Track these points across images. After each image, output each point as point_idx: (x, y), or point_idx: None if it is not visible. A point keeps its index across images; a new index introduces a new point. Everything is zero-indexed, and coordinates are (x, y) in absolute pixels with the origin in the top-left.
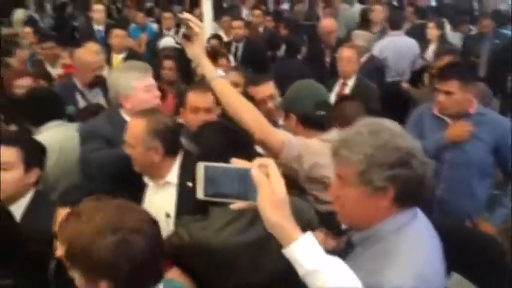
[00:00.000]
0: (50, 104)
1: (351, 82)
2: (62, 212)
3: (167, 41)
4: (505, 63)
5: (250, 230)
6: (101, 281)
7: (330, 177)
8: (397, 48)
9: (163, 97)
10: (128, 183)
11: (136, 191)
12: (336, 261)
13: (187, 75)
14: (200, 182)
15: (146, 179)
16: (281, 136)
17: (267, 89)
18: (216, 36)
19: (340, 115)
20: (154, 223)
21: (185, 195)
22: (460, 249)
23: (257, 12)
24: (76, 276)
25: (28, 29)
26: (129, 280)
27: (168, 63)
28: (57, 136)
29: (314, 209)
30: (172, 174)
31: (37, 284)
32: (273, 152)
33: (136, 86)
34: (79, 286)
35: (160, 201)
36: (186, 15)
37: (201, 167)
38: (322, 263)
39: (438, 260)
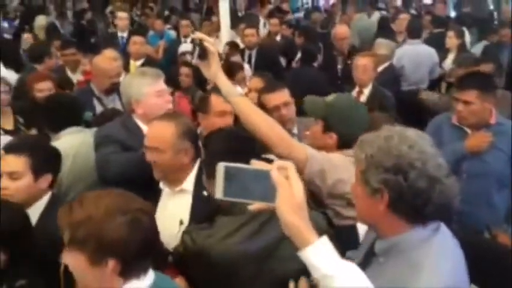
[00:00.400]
0: (68, 110)
1: (367, 90)
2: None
3: (186, 47)
4: None
5: (255, 240)
6: (108, 260)
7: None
8: (414, 56)
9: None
10: (144, 188)
11: (151, 196)
12: (352, 267)
13: (202, 82)
14: (220, 182)
15: (162, 185)
16: (305, 150)
17: (282, 96)
18: (230, 43)
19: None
20: (150, 205)
21: (200, 203)
22: (478, 261)
23: (274, 21)
24: (77, 260)
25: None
26: (136, 258)
27: (185, 70)
28: (73, 142)
29: (329, 223)
30: (189, 182)
31: (49, 283)
32: (297, 167)
33: (147, 91)
34: (79, 270)
35: (175, 208)
36: (198, 34)
37: (221, 167)
38: (338, 267)
39: (463, 272)
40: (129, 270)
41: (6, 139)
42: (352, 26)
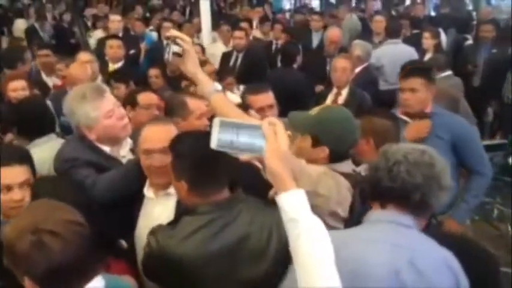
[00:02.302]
0: (41, 117)
1: (344, 92)
2: None
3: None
4: (501, 72)
5: (215, 240)
6: (25, 276)
7: (320, 207)
8: (394, 56)
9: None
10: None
11: (134, 202)
12: (317, 220)
13: (173, 82)
14: (215, 134)
15: (147, 191)
16: None
17: (266, 98)
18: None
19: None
20: (82, 226)
21: (183, 206)
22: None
23: (244, 24)
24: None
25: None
26: (47, 279)
27: (153, 71)
28: (46, 156)
29: None
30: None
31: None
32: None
33: (96, 115)
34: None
35: (160, 213)
36: (172, 32)
37: (216, 121)
38: (304, 216)
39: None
40: None
41: None
42: (343, 27)
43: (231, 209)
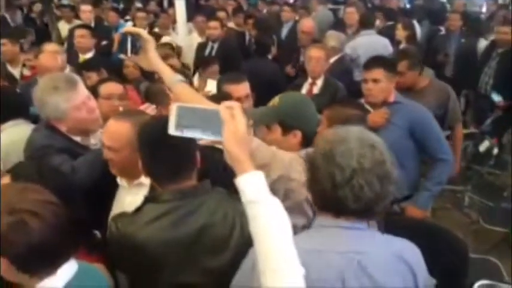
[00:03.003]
0: (13, 103)
1: (319, 82)
2: (4, 179)
3: (166, 39)
4: (471, 62)
5: (180, 226)
6: (2, 257)
7: (295, 191)
8: (369, 47)
9: (125, 96)
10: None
11: (110, 189)
12: (275, 200)
13: (149, 72)
14: (172, 119)
15: (119, 180)
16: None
17: (243, 88)
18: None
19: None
20: (57, 206)
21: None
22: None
23: (221, 13)
24: None
25: None
26: (25, 259)
27: (130, 61)
28: (14, 139)
29: None
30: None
31: None
32: None
33: (65, 108)
34: None
35: (132, 201)
36: (127, 28)
37: (174, 106)
38: (263, 197)
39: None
40: (27, 270)
41: None
42: (314, 19)
43: (194, 198)
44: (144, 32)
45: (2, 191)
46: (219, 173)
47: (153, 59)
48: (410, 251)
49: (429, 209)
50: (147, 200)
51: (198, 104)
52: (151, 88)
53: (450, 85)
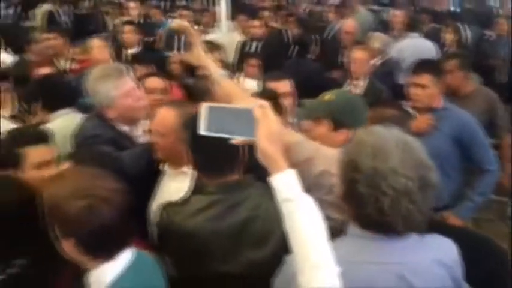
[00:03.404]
0: (60, 93)
1: (361, 83)
2: (64, 166)
3: (211, 36)
4: None
5: (225, 218)
6: (69, 237)
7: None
8: (416, 49)
9: (167, 90)
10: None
11: (154, 176)
12: (310, 199)
13: (192, 69)
14: (203, 120)
15: (164, 168)
16: (292, 136)
17: (285, 85)
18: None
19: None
20: (123, 193)
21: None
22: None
23: (266, 13)
24: (52, 230)
25: None
26: (92, 241)
27: (174, 58)
28: (67, 124)
29: None
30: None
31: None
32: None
33: (115, 94)
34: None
35: (177, 187)
36: (174, 24)
37: (205, 107)
38: (298, 195)
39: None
40: (92, 252)
41: (9, 125)
42: (356, 20)
43: (238, 192)
44: (190, 27)
45: (74, 176)
46: (263, 168)
47: (199, 54)
48: (449, 253)
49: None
50: (194, 190)
51: (228, 104)
52: (196, 85)
53: (500, 92)
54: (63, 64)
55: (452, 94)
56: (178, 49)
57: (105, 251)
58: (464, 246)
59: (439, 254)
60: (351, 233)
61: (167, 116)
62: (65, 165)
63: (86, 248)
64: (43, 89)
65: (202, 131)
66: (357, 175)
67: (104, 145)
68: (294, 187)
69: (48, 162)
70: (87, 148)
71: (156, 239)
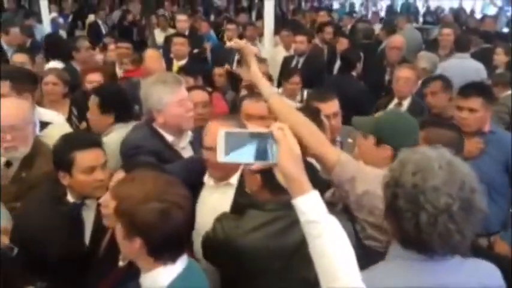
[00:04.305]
0: (128, 106)
1: (406, 103)
2: (118, 175)
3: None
4: None
5: (286, 235)
6: (136, 238)
7: (380, 209)
8: (462, 70)
9: (209, 104)
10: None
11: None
12: (335, 220)
13: (235, 82)
14: (221, 147)
15: (207, 180)
16: (338, 154)
17: (333, 106)
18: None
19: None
20: (190, 201)
21: (240, 195)
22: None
23: (328, 29)
24: (117, 229)
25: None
26: (161, 244)
27: (218, 70)
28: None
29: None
30: (235, 177)
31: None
32: (325, 165)
33: (168, 101)
34: (118, 238)
35: (219, 200)
36: (234, 42)
37: (222, 133)
38: (322, 217)
39: None
40: (156, 254)
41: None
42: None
43: None
44: (248, 46)
45: (147, 180)
46: (319, 185)
47: (253, 71)
48: (493, 278)
49: None
50: (249, 205)
51: (247, 128)
52: (236, 100)
53: None
54: (119, 72)
55: None
56: (230, 63)
57: (170, 254)
58: (509, 275)
59: (483, 278)
60: (393, 254)
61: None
62: (120, 174)
63: (152, 250)
64: (120, 98)
65: (220, 157)
66: (398, 190)
67: (145, 157)
68: (319, 209)
69: (99, 167)
70: (132, 158)
71: (205, 247)
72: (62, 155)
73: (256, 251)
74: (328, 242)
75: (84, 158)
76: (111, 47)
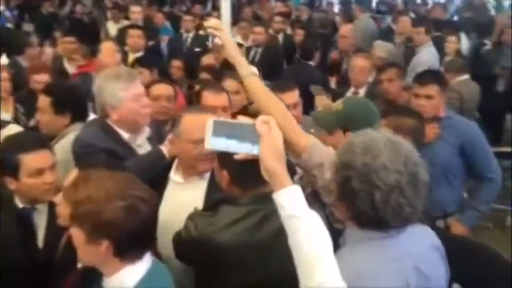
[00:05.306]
0: (83, 105)
1: (362, 91)
2: (72, 175)
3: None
4: None
5: (260, 229)
6: (102, 240)
7: None
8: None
9: (174, 98)
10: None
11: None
12: (315, 214)
13: (192, 74)
14: (208, 135)
15: (174, 175)
16: (309, 139)
17: (292, 96)
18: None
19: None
20: (153, 195)
21: (214, 191)
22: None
23: (278, 18)
24: (76, 235)
25: None
26: (129, 242)
27: (176, 63)
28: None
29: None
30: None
31: None
32: (295, 151)
33: (123, 96)
34: (78, 245)
35: (190, 197)
36: (206, 23)
37: (210, 121)
38: (302, 211)
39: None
40: (123, 253)
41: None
42: (355, 26)
43: (270, 202)
44: (220, 24)
45: (104, 179)
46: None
47: (232, 52)
48: (435, 237)
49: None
50: (222, 201)
51: (233, 120)
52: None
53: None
54: (70, 67)
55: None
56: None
57: (137, 252)
58: (469, 255)
59: (430, 239)
60: (352, 238)
61: (202, 122)
62: (74, 173)
63: (119, 250)
64: (75, 98)
65: (207, 144)
66: (350, 172)
67: (97, 155)
68: (299, 203)
69: (47, 169)
70: (85, 157)
71: (177, 247)
72: (7, 159)
73: (233, 246)
74: (306, 237)
75: (31, 160)
76: (60, 41)
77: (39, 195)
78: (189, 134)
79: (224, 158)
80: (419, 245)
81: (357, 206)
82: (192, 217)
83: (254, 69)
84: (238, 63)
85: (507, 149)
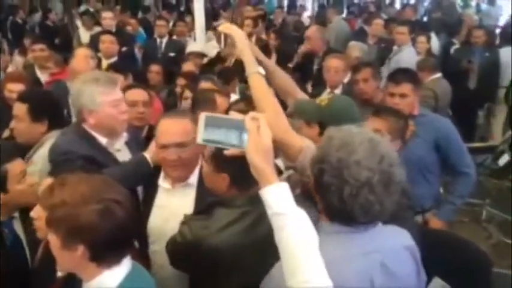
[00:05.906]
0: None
1: (337, 91)
2: (47, 181)
3: (194, 47)
4: (494, 75)
5: (255, 230)
6: (78, 245)
7: None
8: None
9: (150, 103)
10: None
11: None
12: (301, 212)
13: (171, 80)
14: (201, 129)
15: (163, 182)
16: (302, 140)
17: None
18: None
19: None
20: (130, 198)
21: (203, 197)
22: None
23: (247, 21)
24: (53, 240)
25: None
26: (105, 246)
27: (154, 67)
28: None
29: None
30: (194, 176)
31: None
32: (290, 155)
33: (101, 101)
34: (54, 250)
35: (179, 203)
36: (222, 27)
37: (202, 116)
38: (289, 209)
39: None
40: (99, 258)
41: None
42: (330, 28)
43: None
44: (234, 26)
45: (79, 183)
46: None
47: (242, 48)
48: (408, 238)
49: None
50: (216, 203)
51: (224, 115)
52: (199, 95)
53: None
54: (43, 76)
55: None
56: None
57: (115, 255)
58: (448, 248)
59: (402, 240)
60: (323, 231)
61: (185, 125)
62: (48, 181)
63: (95, 254)
64: (53, 105)
65: (199, 140)
66: (324, 166)
67: (76, 162)
68: (286, 200)
69: (24, 174)
70: (63, 165)
71: (171, 253)
72: None
73: (228, 248)
74: (293, 234)
75: (14, 167)
76: (30, 49)
77: (29, 198)
78: (157, 138)
79: (223, 162)
80: (388, 243)
81: (327, 199)
82: (186, 221)
83: (260, 69)
84: (246, 63)
85: (480, 145)
